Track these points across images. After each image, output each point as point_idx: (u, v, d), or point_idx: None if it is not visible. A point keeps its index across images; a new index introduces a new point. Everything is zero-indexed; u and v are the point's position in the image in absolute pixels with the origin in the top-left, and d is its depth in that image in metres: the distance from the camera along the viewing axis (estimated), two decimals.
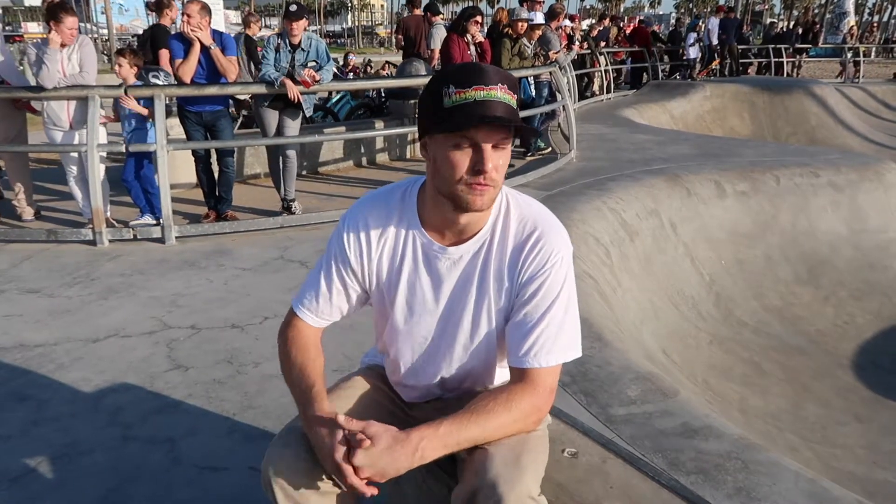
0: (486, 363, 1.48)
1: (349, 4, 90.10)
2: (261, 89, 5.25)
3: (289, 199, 5.51)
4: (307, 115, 5.90)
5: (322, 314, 1.48)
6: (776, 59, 17.60)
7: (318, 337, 1.52)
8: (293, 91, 5.09)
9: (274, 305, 3.72)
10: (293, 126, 5.53)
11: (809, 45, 18.36)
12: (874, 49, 19.37)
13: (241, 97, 7.46)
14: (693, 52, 15.26)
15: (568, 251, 1.37)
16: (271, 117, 5.49)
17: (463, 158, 1.24)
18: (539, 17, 8.02)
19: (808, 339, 5.30)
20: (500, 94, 1.22)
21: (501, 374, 1.52)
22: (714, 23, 15.41)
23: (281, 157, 5.55)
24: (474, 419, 1.26)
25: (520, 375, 1.33)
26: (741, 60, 16.77)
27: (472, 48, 6.55)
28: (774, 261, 5.98)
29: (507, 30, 7.16)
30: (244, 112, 7.79)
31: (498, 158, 1.25)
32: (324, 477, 1.32)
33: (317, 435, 1.27)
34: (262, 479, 1.34)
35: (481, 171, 1.22)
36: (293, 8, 5.17)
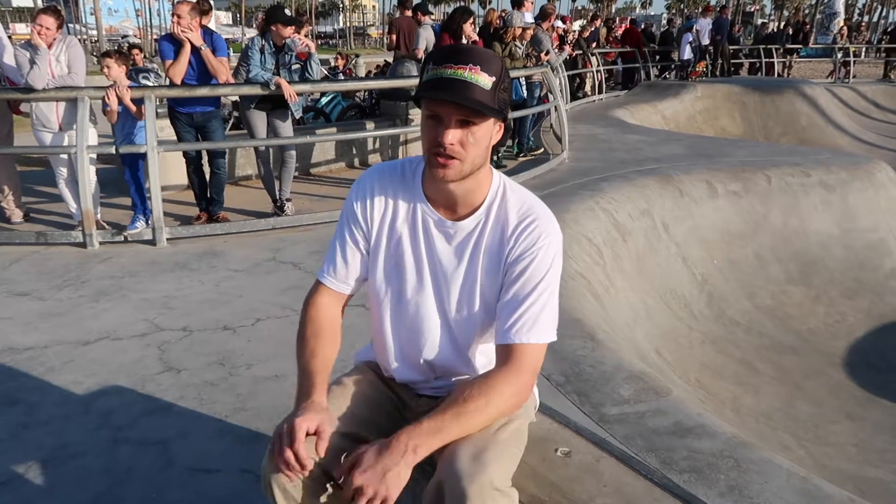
0: (472, 343, 1.51)
1: (341, 5, 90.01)
2: (253, 90, 5.22)
3: (284, 198, 5.50)
4: (296, 117, 5.89)
5: (341, 277, 1.53)
6: (767, 60, 17.68)
7: (338, 311, 1.56)
8: (289, 90, 5.06)
9: (266, 307, 3.71)
10: (286, 127, 5.51)
11: (800, 46, 18.46)
12: (864, 49, 19.45)
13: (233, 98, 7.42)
14: (687, 53, 15.36)
15: (558, 238, 1.42)
16: (259, 120, 5.43)
17: (430, 130, 1.32)
18: (528, 18, 8.03)
19: (800, 338, 5.33)
20: (468, 73, 1.28)
21: (489, 364, 1.53)
22: (703, 23, 15.55)
23: (282, 157, 5.52)
24: (456, 410, 1.30)
25: (504, 354, 1.38)
26: (733, 61, 16.85)
27: None
28: (766, 260, 6.01)
29: (500, 32, 7.16)
30: (234, 113, 7.69)
31: (463, 134, 1.31)
32: (321, 476, 1.34)
33: (299, 406, 1.34)
34: (262, 482, 1.35)
35: (440, 143, 1.30)
36: (286, 14, 5.27)
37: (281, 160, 5.55)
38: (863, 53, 19.50)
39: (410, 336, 1.51)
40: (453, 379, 1.56)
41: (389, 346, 1.55)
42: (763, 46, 18.31)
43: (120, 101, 4.72)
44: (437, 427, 1.28)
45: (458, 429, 1.29)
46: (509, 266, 1.41)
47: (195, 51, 4.93)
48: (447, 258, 1.45)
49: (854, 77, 17.96)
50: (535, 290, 1.38)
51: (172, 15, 4.99)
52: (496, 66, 1.31)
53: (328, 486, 1.37)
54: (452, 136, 1.30)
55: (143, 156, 4.88)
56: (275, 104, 5.32)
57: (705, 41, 15.37)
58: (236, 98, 7.31)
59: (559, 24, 13.22)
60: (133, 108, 4.80)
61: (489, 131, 1.35)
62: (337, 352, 1.51)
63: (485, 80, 1.28)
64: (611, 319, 3.97)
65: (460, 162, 1.32)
